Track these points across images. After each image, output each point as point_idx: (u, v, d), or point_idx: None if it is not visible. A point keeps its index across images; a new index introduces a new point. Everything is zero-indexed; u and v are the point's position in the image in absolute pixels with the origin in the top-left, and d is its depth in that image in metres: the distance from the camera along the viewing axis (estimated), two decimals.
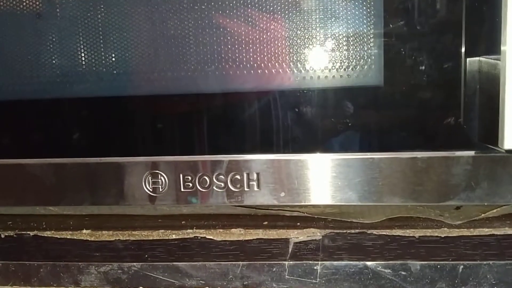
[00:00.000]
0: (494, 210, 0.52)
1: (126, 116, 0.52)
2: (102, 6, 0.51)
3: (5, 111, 0.53)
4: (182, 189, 0.50)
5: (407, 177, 0.48)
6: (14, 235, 0.54)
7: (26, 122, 0.53)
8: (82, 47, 0.51)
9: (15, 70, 0.52)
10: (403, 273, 0.47)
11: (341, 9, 0.48)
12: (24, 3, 0.51)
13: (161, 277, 0.49)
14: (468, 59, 0.46)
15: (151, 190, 0.51)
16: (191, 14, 0.50)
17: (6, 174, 0.53)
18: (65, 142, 0.53)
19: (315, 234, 0.50)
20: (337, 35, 0.48)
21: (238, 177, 0.50)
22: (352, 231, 0.50)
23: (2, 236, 0.54)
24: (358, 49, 0.48)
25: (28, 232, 0.54)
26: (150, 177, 0.51)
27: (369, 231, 0.50)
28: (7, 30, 0.52)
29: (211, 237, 0.51)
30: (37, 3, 0.51)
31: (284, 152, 0.50)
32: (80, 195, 0.52)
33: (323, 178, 0.49)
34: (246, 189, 0.50)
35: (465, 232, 0.49)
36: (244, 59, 0.50)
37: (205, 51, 0.50)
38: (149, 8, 0.50)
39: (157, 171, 0.51)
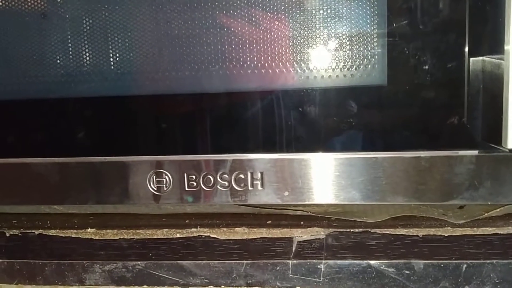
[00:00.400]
0: (498, 209, 0.52)
1: (131, 115, 0.52)
2: (106, 6, 0.51)
3: (10, 111, 0.54)
4: (187, 188, 0.51)
5: (410, 176, 0.48)
6: (19, 234, 0.54)
7: (31, 122, 0.53)
8: (86, 47, 0.52)
9: (20, 70, 0.53)
10: (406, 272, 0.47)
11: (344, 8, 0.48)
12: (29, 3, 0.52)
13: (165, 275, 0.50)
14: (471, 58, 0.47)
15: (155, 189, 0.51)
16: (195, 14, 0.50)
17: (11, 173, 0.53)
18: (69, 141, 0.53)
19: (318, 233, 0.50)
20: (340, 34, 0.49)
21: (242, 176, 0.50)
22: (356, 230, 0.51)
23: (7, 234, 0.54)
24: (361, 49, 0.48)
25: (33, 231, 0.54)
26: (154, 176, 0.51)
27: (372, 230, 0.50)
28: (12, 30, 0.52)
29: (215, 236, 0.51)
30: (42, 3, 0.52)
31: (287, 152, 0.50)
32: (85, 194, 0.52)
33: (326, 177, 0.49)
34: (250, 188, 0.50)
35: (468, 231, 0.50)
36: (248, 58, 0.50)
37: (209, 50, 0.50)
38: (153, 8, 0.51)
39: (161, 170, 0.51)
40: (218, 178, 0.50)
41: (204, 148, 0.51)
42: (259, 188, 0.50)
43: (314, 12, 0.49)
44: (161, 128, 0.52)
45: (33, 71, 0.53)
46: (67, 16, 0.51)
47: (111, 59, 0.51)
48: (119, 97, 0.52)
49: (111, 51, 0.51)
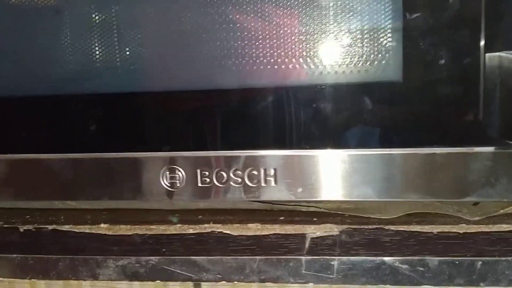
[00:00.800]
0: None
1: (143, 111, 0.52)
2: (117, 1, 0.51)
3: (23, 107, 0.54)
4: (200, 184, 0.51)
5: (425, 173, 0.48)
6: (33, 229, 0.54)
7: (44, 118, 0.54)
8: (98, 43, 0.52)
9: (32, 66, 0.53)
10: (420, 269, 0.46)
11: (358, 2, 0.48)
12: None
13: (178, 271, 0.50)
14: (487, 54, 0.46)
15: (168, 185, 0.51)
16: (207, 9, 0.50)
17: (24, 169, 0.54)
18: (82, 137, 0.53)
19: (332, 229, 0.50)
20: (354, 29, 0.48)
21: (255, 172, 0.50)
22: (370, 226, 0.50)
23: (21, 230, 0.54)
24: (376, 44, 0.48)
25: (47, 226, 0.54)
26: (167, 172, 0.51)
27: (386, 227, 0.50)
28: (25, 27, 0.52)
29: (228, 232, 0.51)
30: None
31: (301, 148, 0.49)
32: (98, 190, 0.53)
33: (340, 174, 0.49)
34: (263, 184, 0.50)
35: (483, 228, 0.49)
36: (261, 54, 0.50)
37: (222, 46, 0.50)
38: (165, 3, 0.50)
39: (174, 166, 0.51)
40: (231, 174, 0.50)
41: (217, 144, 0.51)
42: (272, 184, 0.50)
43: (327, 6, 0.48)
44: (174, 124, 0.51)
45: (46, 67, 0.53)
46: (79, 12, 0.51)
47: (123, 56, 0.51)
48: (132, 94, 0.52)
49: (122, 47, 0.51)
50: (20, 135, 0.54)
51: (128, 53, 0.51)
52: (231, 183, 0.50)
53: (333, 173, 0.49)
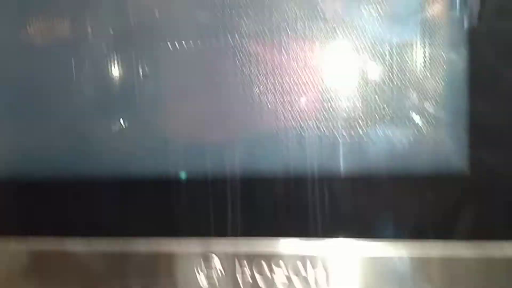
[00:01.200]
0: None
1: (177, 199, 0.47)
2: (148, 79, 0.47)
3: (49, 190, 0.50)
4: (242, 286, 0.45)
5: (496, 273, 0.43)
6: None
7: (72, 202, 0.49)
8: (126, 124, 0.48)
9: (54, 151, 0.49)
10: None
11: (414, 78, 0.43)
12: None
13: None
14: None
15: (206, 285, 0.46)
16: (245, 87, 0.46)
17: (49, 260, 0.49)
18: (111, 224, 0.49)
19: None
20: (411, 109, 0.43)
21: (303, 273, 0.44)
22: None
23: None
24: (437, 133, 0.43)
25: None
26: (203, 268, 0.46)
27: None
28: (55, 112, 0.49)
29: None
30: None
31: (352, 237, 0.44)
32: (128, 285, 0.48)
33: (401, 276, 0.44)
34: (312, 284, 0.45)
35: None
36: (307, 135, 0.45)
37: (261, 127, 0.45)
38: (202, 79, 0.46)
39: (211, 262, 0.46)
40: (274, 272, 0.45)
41: (259, 234, 0.46)
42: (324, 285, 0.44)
43: (376, 88, 0.44)
44: (211, 213, 0.47)
45: (77, 150, 0.49)
46: (108, 93, 0.47)
47: (154, 140, 0.47)
48: (165, 180, 0.47)
49: (153, 130, 0.48)
50: (45, 218, 0.50)
51: (160, 136, 0.47)
52: (276, 282, 0.45)
53: (394, 276, 0.44)
